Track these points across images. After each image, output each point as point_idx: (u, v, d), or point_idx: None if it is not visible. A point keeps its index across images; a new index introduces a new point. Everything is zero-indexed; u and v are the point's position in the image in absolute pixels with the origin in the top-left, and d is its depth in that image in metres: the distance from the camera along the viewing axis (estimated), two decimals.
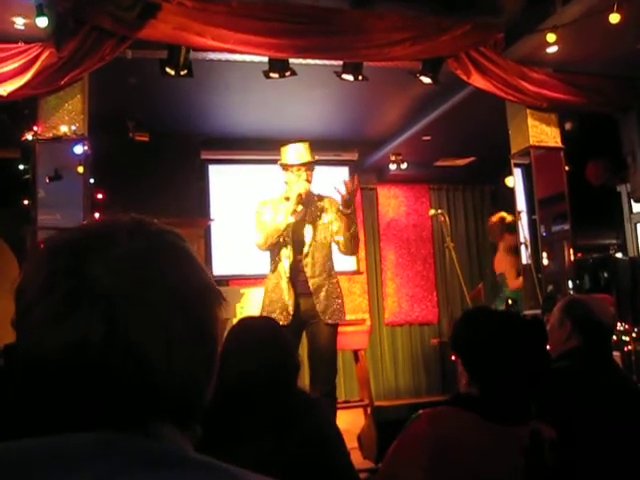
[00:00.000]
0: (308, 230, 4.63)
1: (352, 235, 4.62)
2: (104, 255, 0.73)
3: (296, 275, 4.58)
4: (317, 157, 4.83)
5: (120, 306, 0.70)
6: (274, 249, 4.63)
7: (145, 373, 0.71)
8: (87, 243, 0.74)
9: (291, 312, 4.50)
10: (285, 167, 4.71)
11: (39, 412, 0.71)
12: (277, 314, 4.47)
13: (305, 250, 4.59)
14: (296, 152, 4.69)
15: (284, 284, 4.56)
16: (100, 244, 0.74)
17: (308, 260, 4.59)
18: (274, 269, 4.67)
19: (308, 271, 4.58)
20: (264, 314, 4.48)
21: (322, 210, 4.71)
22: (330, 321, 4.57)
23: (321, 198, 4.77)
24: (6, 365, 1.59)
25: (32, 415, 0.71)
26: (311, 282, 4.56)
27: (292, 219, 4.56)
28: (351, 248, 4.72)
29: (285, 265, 4.59)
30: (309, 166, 4.68)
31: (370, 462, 4.24)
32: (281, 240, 4.56)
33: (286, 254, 4.59)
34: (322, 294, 4.58)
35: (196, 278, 0.79)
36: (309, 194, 4.66)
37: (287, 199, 4.64)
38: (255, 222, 4.70)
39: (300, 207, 4.62)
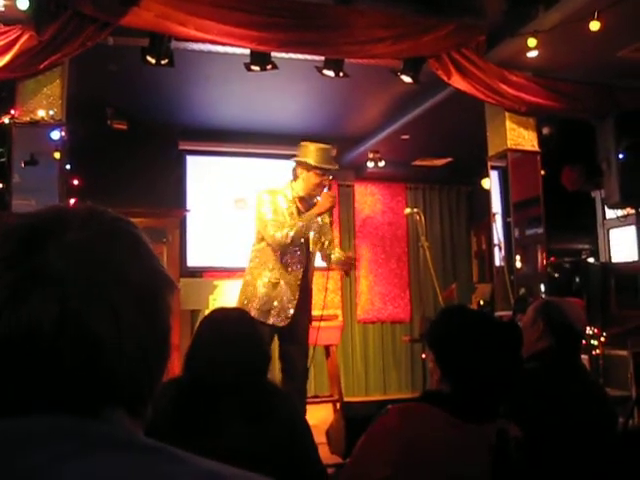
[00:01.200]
0: (311, 236, 4.64)
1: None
2: (57, 240, 0.73)
3: (296, 273, 4.59)
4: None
5: (72, 290, 0.70)
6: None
7: (96, 356, 0.71)
8: (40, 228, 0.75)
9: (289, 316, 4.49)
10: (305, 165, 4.60)
11: None
12: (272, 315, 4.47)
13: (311, 248, 4.65)
14: (326, 155, 4.63)
15: (288, 286, 4.53)
16: (53, 229, 0.74)
17: (311, 257, 4.68)
18: (275, 268, 4.55)
19: (310, 268, 4.68)
20: (254, 313, 4.39)
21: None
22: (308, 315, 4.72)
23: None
24: None
25: None
26: (308, 278, 4.67)
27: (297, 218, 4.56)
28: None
29: (290, 268, 4.56)
30: (333, 173, 4.74)
31: (338, 457, 4.26)
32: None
33: (298, 257, 4.58)
34: (310, 288, 4.75)
35: (147, 265, 0.80)
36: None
37: (299, 197, 4.60)
38: (261, 212, 4.55)
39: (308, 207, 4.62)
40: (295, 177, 4.69)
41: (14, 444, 0.66)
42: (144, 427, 0.79)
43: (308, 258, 4.62)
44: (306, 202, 4.64)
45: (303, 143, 4.69)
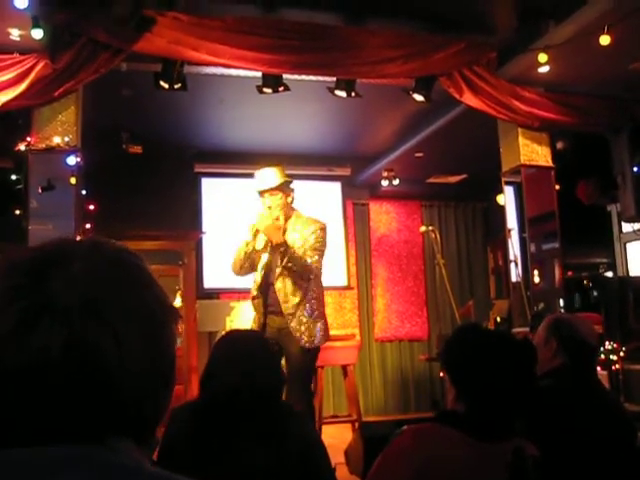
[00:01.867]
0: (277, 255, 4.53)
1: (286, 267, 4.47)
2: (62, 272, 0.75)
3: (272, 296, 4.57)
4: (309, 172, 4.83)
5: (77, 318, 0.72)
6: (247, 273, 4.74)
7: (102, 384, 0.72)
8: (46, 260, 0.76)
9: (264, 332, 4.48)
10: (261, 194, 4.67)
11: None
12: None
13: (276, 275, 4.51)
14: (258, 178, 4.65)
15: (255, 303, 4.63)
16: (58, 261, 0.76)
17: (279, 286, 4.50)
18: (254, 288, 4.69)
19: (280, 296, 4.49)
20: None
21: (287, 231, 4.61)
22: (307, 345, 4.45)
23: (299, 218, 4.67)
24: None
25: None
26: (283, 307, 4.47)
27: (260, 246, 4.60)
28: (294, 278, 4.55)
29: (257, 293, 4.62)
30: (276, 189, 4.59)
31: (357, 477, 4.24)
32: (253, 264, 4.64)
33: (256, 278, 4.63)
34: (297, 318, 4.46)
35: (150, 294, 0.81)
36: (271, 220, 4.51)
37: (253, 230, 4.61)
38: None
39: (260, 243, 4.61)
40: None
41: (21, 475, 0.67)
42: (151, 455, 0.80)
43: (277, 278, 4.53)
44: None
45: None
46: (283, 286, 4.49)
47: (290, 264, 4.41)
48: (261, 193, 4.61)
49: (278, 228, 4.47)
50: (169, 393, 0.82)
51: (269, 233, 4.46)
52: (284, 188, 4.63)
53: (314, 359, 4.62)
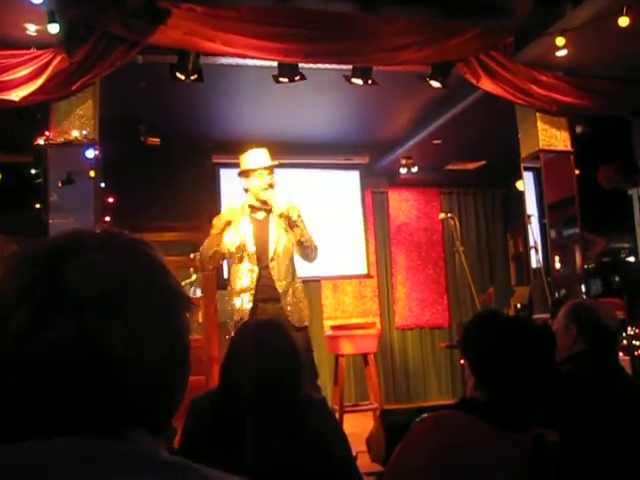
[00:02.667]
0: (272, 236, 4.65)
1: (299, 241, 4.66)
2: (76, 263, 0.75)
3: (262, 281, 4.60)
4: (327, 161, 4.86)
5: (91, 309, 0.72)
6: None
7: (115, 374, 0.73)
8: (59, 252, 0.77)
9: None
10: (245, 173, 4.74)
11: (15, 419, 0.73)
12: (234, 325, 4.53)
13: (270, 256, 4.61)
14: (256, 156, 4.74)
15: (238, 295, 4.60)
16: (72, 253, 0.76)
17: (274, 264, 4.61)
18: (232, 279, 4.70)
19: (274, 275, 4.60)
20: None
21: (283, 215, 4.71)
22: (298, 324, 4.59)
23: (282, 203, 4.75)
24: None
25: (7, 422, 0.73)
26: (277, 285, 4.59)
27: (251, 229, 4.65)
28: (304, 257, 4.77)
29: (244, 275, 4.61)
30: (271, 170, 4.73)
31: (378, 465, 4.24)
32: (243, 252, 4.63)
33: (247, 265, 4.62)
34: (288, 298, 4.62)
35: (164, 285, 0.82)
36: (272, 200, 4.67)
37: (252, 207, 4.71)
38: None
39: (262, 214, 4.70)
40: (245, 191, 4.81)
41: (37, 467, 0.67)
42: (167, 445, 0.80)
43: (272, 259, 4.62)
44: (260, 209, 4.73)
45: (241, 156, 4.82)
46: (277, 264, 4.61)
47: (302, 238, 4.61)
48: (258, 170, 4.69)
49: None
50: (184, 383, 0.83)
51: (281, 206, 4.60)
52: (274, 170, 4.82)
53: (309, 339, 4.71)
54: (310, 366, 4.56)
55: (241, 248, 4.63)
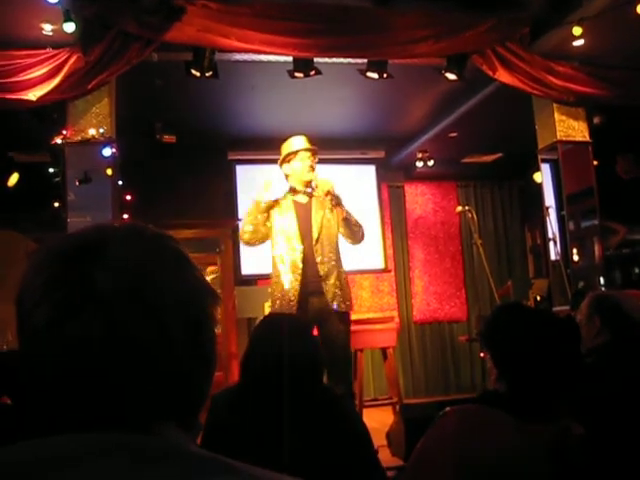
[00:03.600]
0: (315, 220, 4.66)
1: (346, 218, 4.71)
2: (101, 258, 0.75)
3: (306, 268, 4.59)
4: (343, 156, 4.89)
5: (118, 306, 0.72)
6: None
7: (144, 369, 0.73)
8: (84, 247, 0.76)
9: (294, 310, 4.50)
10: (288, 158, 4.80)
11: (44, 415, 0.73)
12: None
13: (314, 239, 4.62)
14: (298, 140, 4.80)
15: (285, 282, 4.60)
16: (97, 247, 0.76)
17: (317, 247, 4.62)
18: (275, 268, 4.72)
19: (318, 257, 4.60)
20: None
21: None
22: (343, 308, 4.59)
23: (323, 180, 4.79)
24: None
25: (36, 418, 0.73)
26: (320, 268, 4.59)
27: (294, 214, 4.68)
28: (351, 236, 4.81)
29: (288, 259, 4.62)
30: (313, 153, 4.78)
31: (399, 459, 4.24)
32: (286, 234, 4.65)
33: (291, 249, 4.62)
34: (331, 281, 4.60)
35: (190, 279, 0.81)
36: (313, 180, 4.73)
37: (292, 190, 4.76)
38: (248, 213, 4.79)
39: (305, 198, 4.74)
40: (286, 177, 4.87)
41: (67, 460, 0.67)
42: (196, 439, 0.80)
43: (312, 252, 4.62)
44: (303, 193, 4.76)
45: (282, 145, 4.89)
46: (321, 247, 4.63)
47: (348, 215, 4.69)
48: (300, 152, 4.76)
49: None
50: (211, 377, 0.82)
51: (324, 185, 4.65)
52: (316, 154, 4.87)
53: (350, 328, 4.71)
54: (344, 362, 4.62)
55: (285, 232, 4.65)
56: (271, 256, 4.79)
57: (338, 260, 4.70)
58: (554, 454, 1.74)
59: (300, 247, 4.60)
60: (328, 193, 4.64)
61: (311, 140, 4.81)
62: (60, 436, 0.70)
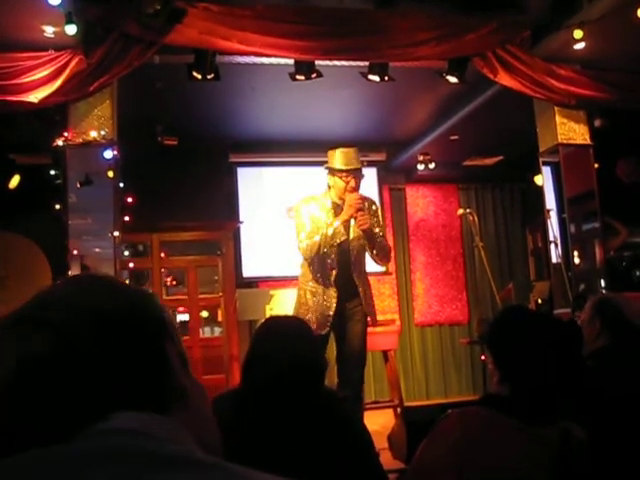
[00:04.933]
0: (353, 231, 4.61)
1: (375, 254, 4.67)
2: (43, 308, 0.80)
3: (341, 278, 4.56)
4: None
5: (62, 321, 0.77)
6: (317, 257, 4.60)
7: (92, 368, 0.76)
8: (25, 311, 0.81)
9: (329, 323, 4.50)
10: (331, 171, 4.65)
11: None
12: (313, 323, 4.41)
13: (351, 251, 4.59)
14: (345, 157, 4.60)
15: (325, 294, 4.55)
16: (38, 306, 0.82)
17: (353, 259, 4.60)
18: (307, 275, 4.65)
19: (355, 271, 4.60)
20: None
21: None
22: (370, 322, 4.66)
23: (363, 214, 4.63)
24: None
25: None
26: (356, 280, 4.60)
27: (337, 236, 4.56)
28: (378, 260, 4.78)
29: (326, 270, 4.57)
30: (357, 173, 4.62)
31: (400, 462, 4.24)
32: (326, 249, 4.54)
33: (331, 259, 4.56)
34: (361, 297, 4.62)
35: (121, 297, 0.86)
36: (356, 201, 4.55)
37: (335, 204, 4.62)
38: (297, 223, 4.66)
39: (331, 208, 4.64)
40: (329, 186, 4.72)
41: (67, 467, 0.68)
42: (190, 421, 0.81)
43: (348, 263, 4.59)
44: (342, 208, 4.60)
45: (330, 151, 4.70)
46: (357, 261, 4.62)
47: (377, 250, 4.63)
48: (349, 171, 4.59)
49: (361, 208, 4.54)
50: (169, 361, 0.84)
51: (362, 222, 4.49)
52: (361, 172, 4.71)
53: (366, 331, 4.72)
54: (361, 363, 4.63)
55: (329, 243, 4.51)
56: (303, 262, 4.73)
57: (366, 275, 4.76)
58: (557, 457, 1.74)
59: (335, 257, 4.56)
60: (364, 232, 4.53)
61: (357, 155, 4.63)
62: (60, 445, 0.71)
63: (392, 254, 4.97)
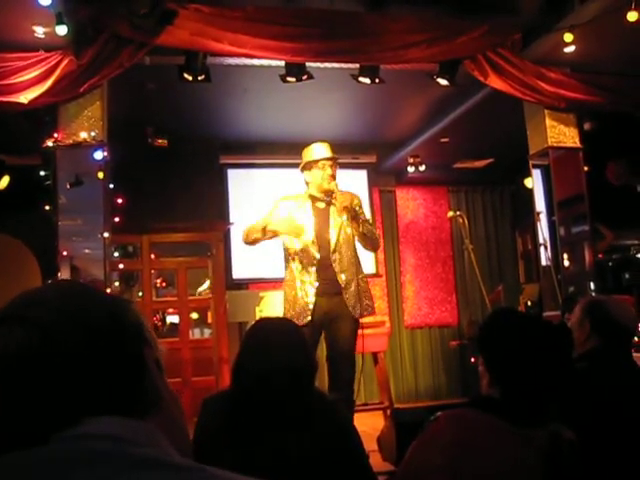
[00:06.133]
0: (334, 226, 4.61)
1: (362, 233, 4.64)
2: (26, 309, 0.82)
3: (323, 274, 4.54)
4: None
5: (47, 320, 0.79)
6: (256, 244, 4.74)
7: (73, 369, 0.77)
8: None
9: (309, 314, 4.49)
10: (309, 165, 4.71)
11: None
12: (295, 318, 4.43)
13: (332, 247, 4.56)
14: (320, 149, 4.71)
15: (303, 285, 4.55)
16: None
17: (336, 256, 4.56)
18: (290, 271, 4.66)
19: (336, 267, 4.54)
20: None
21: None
22: (359, 316, 4.57)
23: (343, 193, 4.71)
24: None
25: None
26: (341, 278, 4.53)
27: (312, 220, 4.60)
28: (366, 246, 4.78)
29: (305, 266, 4.57)
30: (334, 162, 4.70)
31: (389, 464, 4.24)
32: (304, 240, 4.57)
33: (311, 255, 4.57)
34: (352, 289, 4.55)
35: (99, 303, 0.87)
36: (334, 190, 4.62)
37: (311, 197, 4.67)
38: (265, 214, 4.76)
39: (323, 204, 4.66)
40: (306, 183, 4.78)
41: (53, 468, 0.68)
42: (165, 425, 0.82)
43: (329, 259, 4.57)
44: (322, 201, 4.67)
45: (304, 150, 4.79)
46: (339, 256, 4.57)
47: (365, 230, 4.59)
48: (321, 161, 4.67)
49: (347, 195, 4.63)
50: (142, 367, 0.85)
51: (343, 200, 4.57)
52: (337, 162, 4.78)
53: (357, 335, 4.67)
54: (349, 365, 4.63)
55: (302, 239, 4.57)
56: (284, 259, 4.76)
57: (358, 267, 4.67)
58: (547, 459, 1.75)
59: (317, 255, 4.55)
60: (345, 208, 4.58)
61: (333, 148, 4.74)
62: (45, 447, 0.71)
63: (381, 242, 4.92)
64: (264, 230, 4.61)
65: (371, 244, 4.77)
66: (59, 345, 0.76)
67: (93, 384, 0.77)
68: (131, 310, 0.89)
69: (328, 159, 4.68)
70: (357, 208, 4.65)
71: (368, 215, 4.85)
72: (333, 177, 4.66)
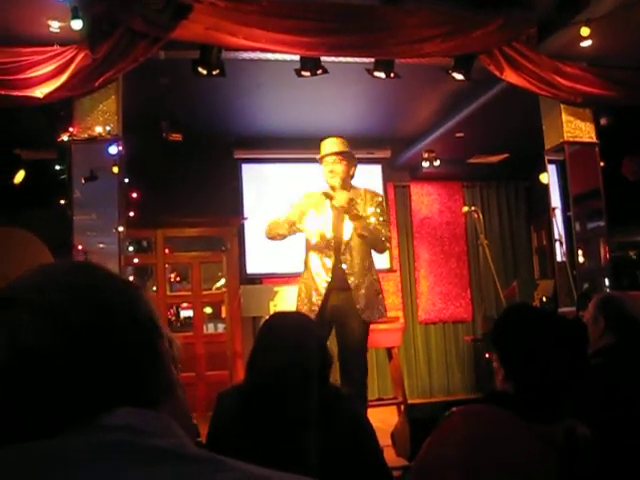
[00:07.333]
0: (347, 225, 4.58)
1: (361, 235, 4.57)
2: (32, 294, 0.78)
3: (336, 272, 4.53)
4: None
5: (61, 306, 0.76)
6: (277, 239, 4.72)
7: (90, 359, 0.75)
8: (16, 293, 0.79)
9: (317, 308, 4.48)
10: (320, 162, 4.72)
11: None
12: (305, 310, 4.46)
13: (342, 247, 4.55)
14: (325, 144, 4.71)
15: (316, 280, 4.55)
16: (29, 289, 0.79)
17: (346, 257, 4.54)
18: (307, 268, 4.66)
19: (347, 268, 4.53)
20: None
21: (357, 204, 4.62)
22: (368, 319, 4.53)
23: (356, 191, 4.70)
24: None
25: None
26: (350, 279, 4.51)
27: (330, 217, 4.59)
28: (369, 242, 4.66)
29: (318, 262, 4.57)
30: (343, 156, 4.65)
31: (403, 460, 4.24)
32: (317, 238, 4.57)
33: (325, 252, 4.56)
34: (362, 291, 4.52)
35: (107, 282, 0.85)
36: (342, 187, 4.58)
37: (325, 195, 4.63)
38: (289, 209, 4.73)
39: (329, 202, 4.64)
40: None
41: (65, 462, 0.68)
42: (176, 413, 0.81)
43: (345, 251, 4.55)
44: (329, 196, 4.64)
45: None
46: (350, 257, 4.54)
47: (365, 232, 4.52)
48: (325, 157, 4.66)
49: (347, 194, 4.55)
50: (159, 356, 0.84)
51: (340, 199, 4.51)
52: (349, 158, 4.71)
53: (368, 334, 4.63)
54: (359, 362, 4.56)
55: (320, 235, 4.56)
56: (305, 253, 4.73)
57: (370, 268, 4.63)
58: (563, 455, 1.73)
59: (332, 252, 4.55)
60: (341, 207, 4.53)
61: (345, 142, 4.70)
62: (52, 440, 0.70)
63: (388, 245, 4.78)
64: (290, 226, 4.64)
65: (373, 247, 4.66)
66: (72, 333, 0.74)
67: (107, 373, 0.75)
68: (144, 296, 0.87)
69: (329, 155, 4.66)
70: (354, 210, 4.56)
71: (385, 216, 4.76)
72: (333, 173, 4.63)
